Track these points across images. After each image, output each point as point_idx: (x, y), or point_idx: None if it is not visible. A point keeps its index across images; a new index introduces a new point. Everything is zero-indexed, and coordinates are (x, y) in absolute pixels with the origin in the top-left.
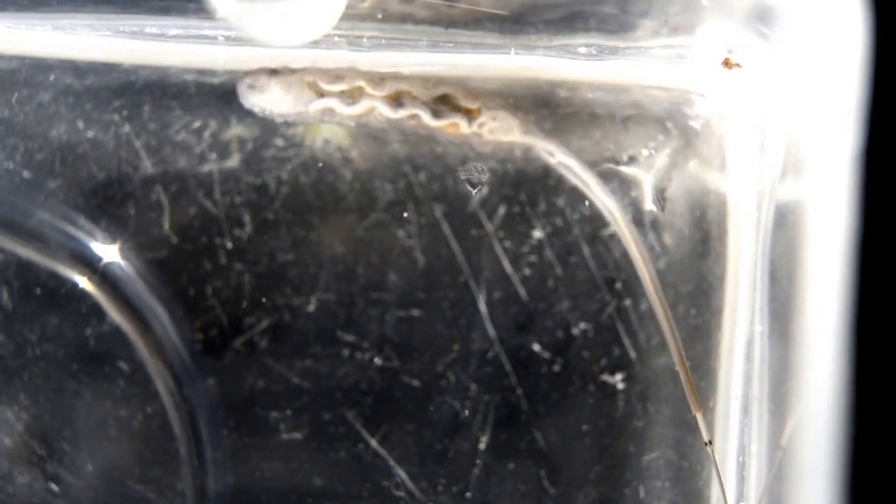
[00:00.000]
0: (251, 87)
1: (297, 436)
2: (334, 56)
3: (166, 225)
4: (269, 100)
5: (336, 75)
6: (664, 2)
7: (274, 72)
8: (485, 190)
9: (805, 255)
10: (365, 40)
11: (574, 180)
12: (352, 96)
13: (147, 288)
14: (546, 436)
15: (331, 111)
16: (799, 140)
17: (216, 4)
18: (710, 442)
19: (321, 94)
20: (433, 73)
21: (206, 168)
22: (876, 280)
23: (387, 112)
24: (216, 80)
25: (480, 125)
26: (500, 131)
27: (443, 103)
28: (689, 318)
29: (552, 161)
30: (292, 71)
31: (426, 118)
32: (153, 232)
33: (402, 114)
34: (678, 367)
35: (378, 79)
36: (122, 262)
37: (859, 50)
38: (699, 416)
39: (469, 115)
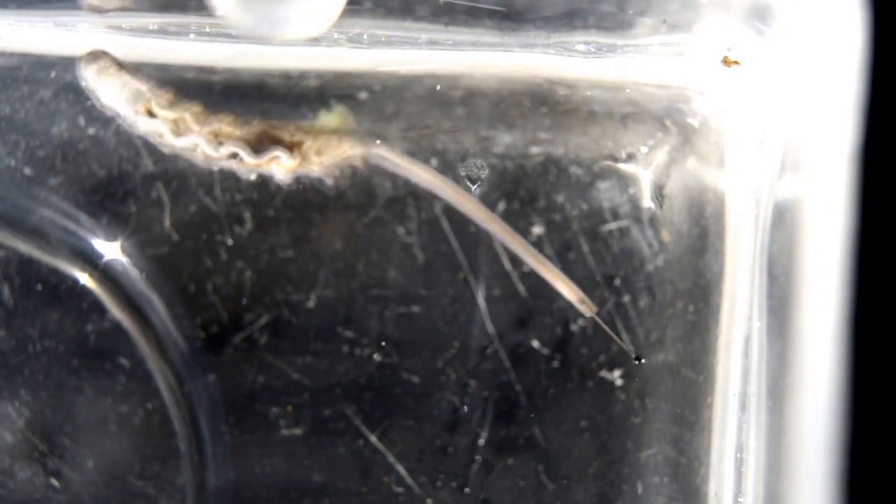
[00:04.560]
0: (90, 63)
1: (297, 432)
2: (334, 53)
3: (167, 222)
4: (100, 85)
5: (170, 100)
6: None
7: (118, 65)
8: (484, 186)
9: (803, 252)
10: (365, 37)
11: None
12: (177, 126)
13: (148, 284)
14: (545, 432)
15: (160, 135)
16: (797, 137)
17: (216, 2)
18: (598, 313)
19: (151, 114)
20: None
21: (206, 165)
22: (874, 277)
23: (209, 151)
24: (216, 78)
25: (304, 153)
26: (328, 150)
27: (262, 141)
28: (687, 314)
29: (388, 163)
30: (133, 73)
31: (246, 156)
32: (154, 229)
33: (222, 153)
34: (555, 283)
35: (203, 116)
36: (123, 259)
37: (858, 47)
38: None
39: (290, 148)
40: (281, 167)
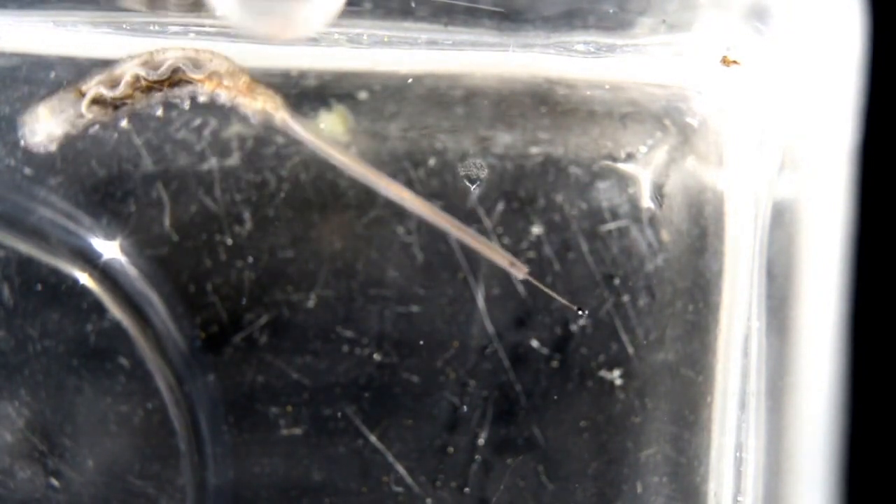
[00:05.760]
0: (25, 127)
1: (297, 431)
2: (334, 53)
3: (167, 222)
4: (42, 128)
5: (113, 78)
6: None
7: (42, 98)
8: (483, 186)
9: (802, 252)
10: (364, 37)
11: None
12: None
13: (147, 284)
14: (544, 431)
15: (100, 102)
16: (796, 137)
17: (216, 2)
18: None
19: (82, 93)
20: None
21: (206, 166)
22: (872, 276)
23: (141, 80)
24: None
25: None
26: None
27: (177, 83)
28: (686, 314)
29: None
30: (60, 90)
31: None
32: (154, 229)
33: (154, 76)
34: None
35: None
36: (122, 259)
37: (857, 47)
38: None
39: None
40: (203, 93)
